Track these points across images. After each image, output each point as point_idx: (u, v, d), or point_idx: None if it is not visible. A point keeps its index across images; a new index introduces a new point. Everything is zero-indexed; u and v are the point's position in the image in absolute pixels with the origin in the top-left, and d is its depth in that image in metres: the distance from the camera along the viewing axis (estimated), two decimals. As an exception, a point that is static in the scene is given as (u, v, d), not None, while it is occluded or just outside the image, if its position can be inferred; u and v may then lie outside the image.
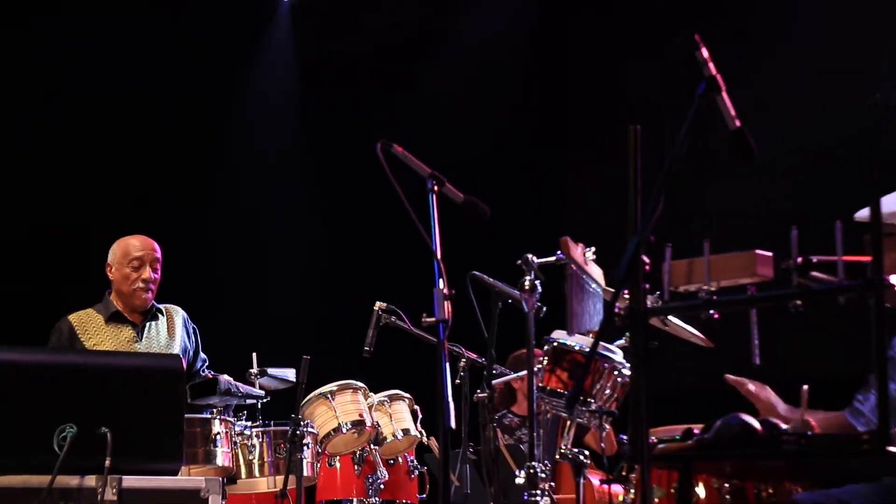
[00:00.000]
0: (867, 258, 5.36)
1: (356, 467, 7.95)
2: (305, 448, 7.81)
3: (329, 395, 8.00)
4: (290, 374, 7.99)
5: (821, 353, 6.09)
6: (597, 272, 7.25)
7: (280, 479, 7.83)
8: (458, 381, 7.27)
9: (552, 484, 6.95)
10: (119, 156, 12.06)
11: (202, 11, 12.60)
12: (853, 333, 5.42)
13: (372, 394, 8.09)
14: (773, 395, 6.17)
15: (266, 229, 12.40)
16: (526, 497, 6.80)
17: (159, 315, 8.68)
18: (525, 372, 6.93)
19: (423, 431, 8.12)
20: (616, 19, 11.93)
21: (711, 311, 5.75)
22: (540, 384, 6.85)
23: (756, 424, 5.55)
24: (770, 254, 5.67)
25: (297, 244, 12.22)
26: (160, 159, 12.20)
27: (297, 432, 7.76)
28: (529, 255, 7.05)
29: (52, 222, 11.15)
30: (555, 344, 6.96)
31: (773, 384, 6.16)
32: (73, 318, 8.59)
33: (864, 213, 5.61)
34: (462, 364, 7.40)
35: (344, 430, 7.97)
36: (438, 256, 6.65)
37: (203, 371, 8.50)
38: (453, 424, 6.95)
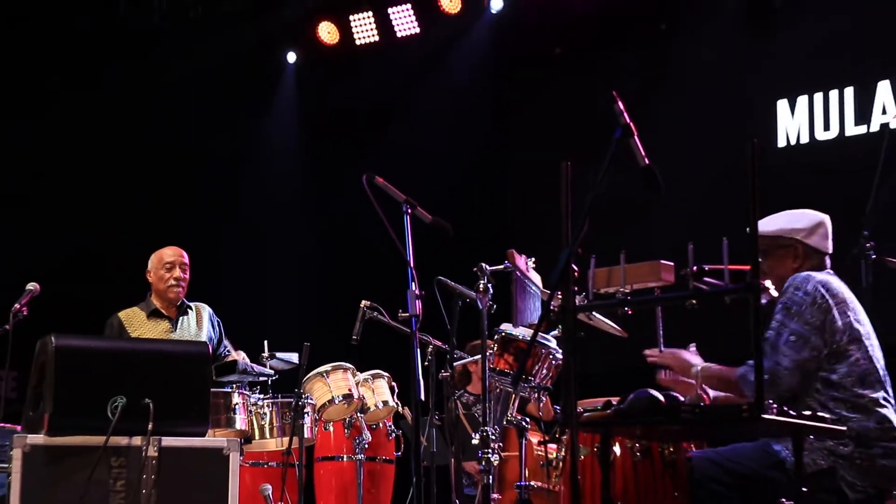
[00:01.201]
0: (747, 267, 5.35)
1: (346, 430, 7.93)
2: (306, 415, 7.79)
3: (324, 374, 7.98)
4: (293, 357, 7.97)
5: (712, 340, 6.06)
6: (536, 278, 7.25)
7: (286, 440, 7.80)
8: (426, 363, 7.25)
9: (500, 444, 6.92)
10: (159, 188, 12.03)
11: (226, 72, 12.56)
12: (737, 324, 5.39)
13: (358, 373, 8.06)
14: (685, 353, 6.15)
15: (274, 244, 12.38)
16: (480, 454, 6.78)
17: (189, 311, 8.66)
18: (479, 356, 6.90)
19: (399, 402, 8.11)
20: (552, 85, 11.95)
21: (626, 309, 5.74)
22: (491, 366, 6.82)
23: (660, 397, 5.53)
24: (672, 263, 5.66)
25: (299, 256, 12.20)
26: (190, 189, 12.18)
27: (300, 403, 7.75)
28: (483, 264, 7.03)
29: (106, 241, 11.09)
30: (503, 334, 6.93)
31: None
32: (121, 314, 8.57)
33: (764, 226, 5.61)
34: (430, 350, 7.38)
35: (336, 402, 7.94)
36: (411, 264, 6.69)
37: (225, 354, 8.45)
38: (423, 397, 6.97)
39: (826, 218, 6.19)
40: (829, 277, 6.03)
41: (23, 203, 11.66)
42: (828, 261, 6.16)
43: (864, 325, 6.00)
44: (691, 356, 6.12)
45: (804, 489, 5.43)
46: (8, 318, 7.31)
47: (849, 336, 5.89)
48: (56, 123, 11.85)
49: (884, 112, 10.49)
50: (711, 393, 6.06)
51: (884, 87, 10.59)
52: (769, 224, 6.00)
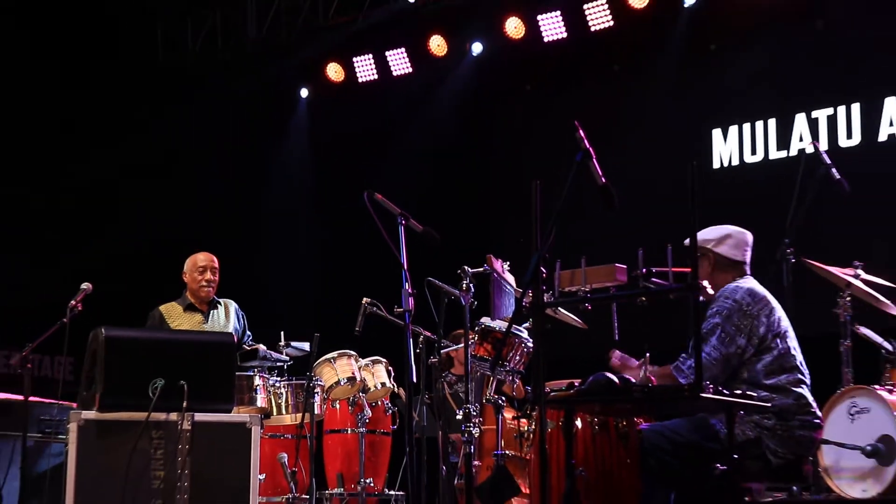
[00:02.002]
0: (688, 270, 5.37)
1: (350, 407, 7.91)
2: (316, 395, 7.78)
3: (332, 360, 7.97)
4: (306, 346, 7.96)
5: (658, 331, 6.08)
6: (510, 278, 7.24)
7: (299, 415, 7.79)
8: (418, 350, 7.24)
9: (480, 419, 6.92)
10: (193, 201, 12.02)
11: (250, 104, 12.57)
12: (679, 317, 5.41)
13: (360, 359, 8.04)
14: (631, 360, 6.17)
15: (289, 250, 12.35)
16: (463, 427, 6.78)
17: (219, 306, 8.65)
18: (462, 344, 6.90)
19: (394, 384, 8.08)
20: (524, 116, 11.96)
21: (586, 305, 5.75)
22: (472, 353, 6.82)
23: (615, 379, 5.55)
24: (625, 266, 5.68)
25: (310, 260, 12.18)
26: (219, 202, 12.19)
27: (311, 384, 7.73)
28: (466, 267, 7.03)
29: (148, 246, 11.09)
30: (482, 326, 6.92)
31: (627, 351, 6.14)
32: (162, 308, 8.56)
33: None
34: (421, 339, 7.37)
35: (342, 383, 7.93)
36: (405, 267, 6.71)
37: (248, 343, 8.44)
38: (415, 379, 7.00)
39: (735, 230, 6.23)
40: (753, 285, 6.09)
41: (79, 218, 11.65)
42: (747, 268, 6.18)
43: (784, 322, 6.06)
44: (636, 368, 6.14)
45: (735, 456, 5.45)
46: (66, 312, 7.28)
47: (772, 333, 5.97)
48: (115, 152, 11.85)
49: (801, 139, 10.49)
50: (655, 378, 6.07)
51: (800, 118, 10.61)
52: (699, 235, 5.98)
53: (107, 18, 12.30)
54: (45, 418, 7.27)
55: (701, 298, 5.64)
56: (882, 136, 10.25)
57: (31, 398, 7.18)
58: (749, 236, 6.25)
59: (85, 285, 7.45)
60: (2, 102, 11.59)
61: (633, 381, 5.69)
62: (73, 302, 7.37)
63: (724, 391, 5.45)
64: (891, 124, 10.24)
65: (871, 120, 10.30)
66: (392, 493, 7.83)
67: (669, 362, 6.13)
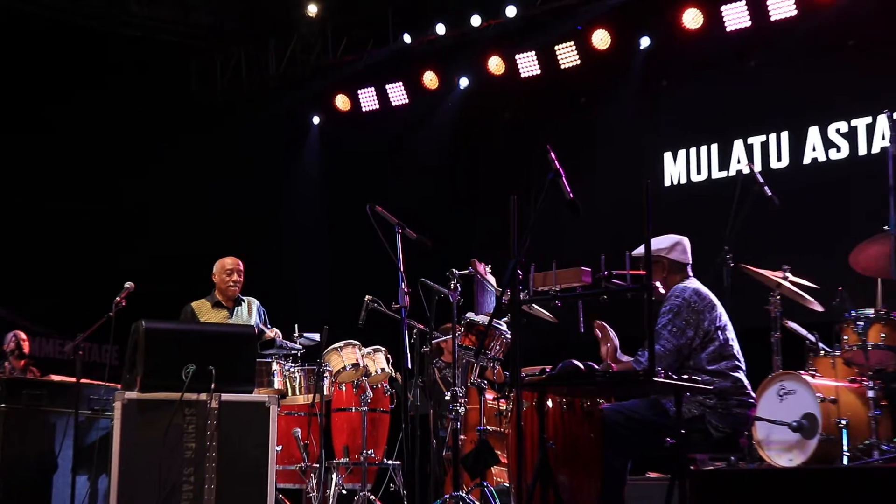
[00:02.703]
0: (643, 273, 5.38)
1: (354, 389, 7.88)
2: (325, 378, 7.76)
3: (339, 349, 7.95)
4: (316, 336, 7.94)
5: (617, 325, 6.08)
6: (492, 279, 7.25)
7: (310, 396, 7.79)
8: (412, 341, 7.23)
9: (465, 399, 6.92)
10: (221, 212, 12.01)
11: (269, 129, 12.56)
12: (636, 314, 5.43)
13: (363, 347, 8.02)
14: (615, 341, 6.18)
15: (303, 255, 12.35)
16: (451, 407, 6.78)
17: (243, 303, 8.63)
18: (450, 336, 6.91)
19: (392, 369, 8.06)
20: (503, 140, 11.98)
21: (556, 302, 5.76)
22: (459, 343, 6.83)
23: (581, 366, 5.56)
24: (589, 269, 5.69)
25: (320, 263, 12.18)
26: (244, 213, 12.17)
27: (320, 369, 7.72)
28: (453, 269, 7.04)
29: (182, 251, 11.07)
30: (468, 320, 6.94)
31: (590, 341, 6.13)
32: (193, 304, 8.54)
33: (638, 251, 5.63)
34: (415, 331, 7.36)
35: (347, 369, 7.90)
36: (401, 269, 6.72)
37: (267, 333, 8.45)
38: (409, 365, 6.99)
39: (683, 239, 6.25)
40: (698, 286, 6.11)
41: (124, 227, 11.65)
42: (689, 270, 6.21)
43: (724, 317, 6.08)
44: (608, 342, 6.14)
45: (682, 430, 5.47)
46: (111, 307, 7.29)
47: (714, 326, 5.99)
48: (156, 171, 11.86)
49: (738, 162, 10.50)
50: (615, 365, 6.07)
51: (738, 144, 10.63)
52: (652, 243, 5.98)
53: (149, 57, 12.31)
54: (94, 397, 7.27)
55: (654, 297, 5.68)
56: (806, 160, 10.30)
57: (83, 380, 7.18)
58: (688, 243, 6.29)
59: (128, 284, 7.45)
60: (64, 131, 11.62)
61: (596, 367, 5.72)
62: (117, 298, 7.37)
63: (673, 376, 5.48)
64: (813, 149, 10.29)
65: (797, 146, 10.35)
66: (390, 462, 7.82)
67: (626, 350, 6.15)
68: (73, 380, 7.14)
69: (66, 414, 7.06)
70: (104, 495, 6.77)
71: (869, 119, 10.00)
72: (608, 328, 6.21)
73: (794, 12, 10.06)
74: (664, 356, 5.83)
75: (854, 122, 10.10)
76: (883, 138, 9.63)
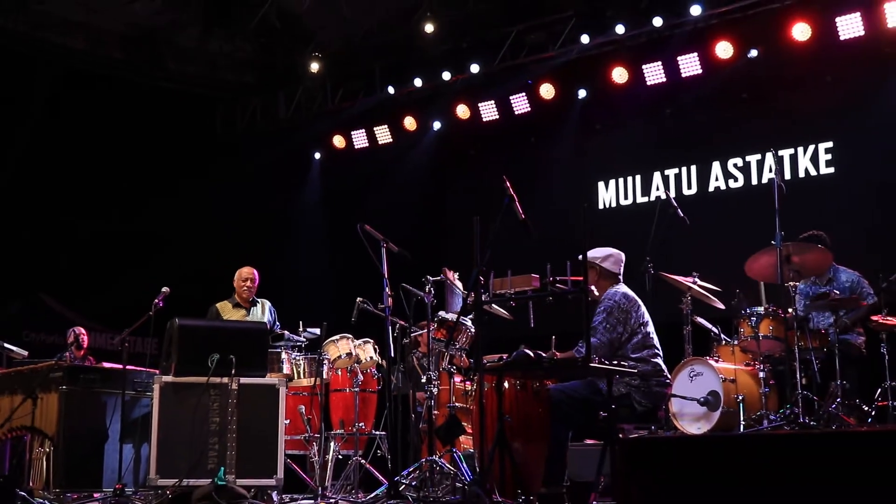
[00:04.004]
0: (580, 278, 5.38)
1: (348, 374, 7.84)
2: (324, 365, 7.73)
3: (335, 341, 7.90)
4: (317, 331, 7.91)
5: (560, 321, 6.09)
6: (459, 284, 7.25)
7: (312, 379, 7.75)
8: (395, 334, 7.18)
9: (438, 382, 6.91)
10: (239, 232, 11.95)
11: (278, 163, 12.52)
12: (576, 312, 5.43)
13: (355, 339, 7.98)
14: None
15: (307, 266, 12.28)
16: (426, 388, 6.77)
17: (257, 304, 8.60)
18: (426, 330, 6.89)
19: (379, 357, 8.01)
20: (469, 171, 12.00)
21: (511, 302, 5.76)
22: (433, 336, 6.81)
23: (532, 354, 5.56)
24: (537, 276, 5.70)
25: (321, 272, 12.09)
26: (259, 231, 12.13)
27: (320, 358, 7.70)
28: (428, 276, 7.03)
29: (209, 263, 11.00)
30: (440, 317, 6.93)
31: (539, 333, 6.11)
32: (217, 305, 8.52)
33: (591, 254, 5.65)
34: (397, 327, 7.31)
35: (342, 357, 7.87)
36: (385, 276, 6.70)
37: (277, 329, 8.39)
38: (393, 354, 6.98)
39: (614, 251, 6.26)
40: (626, 290, 6.12)
41: (163, 243, 11.59)
42: (621, 277, 6.22)
43: (646, 315, 6.09)
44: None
45: (612, 406, 5.47)
46: (151, 307, 7.25)
47: (638, 323, 6.00)
48: (185, 200, 11.80)
49: (657, 189, 10.56)
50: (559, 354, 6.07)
51: (657, 175, 10.68)
52: (588, 254, 5.98)
53: (182, 105, 12.27)
54: (137, 381, 7.19)
55: (590, 298, 5.68)
56: (711, 188, 10.36)
57: (128, 367, 7.11)
58: (623, 255, 6.29)
59: (165, 289, 7.40)
60: (115, 165, 11.59)
61: (544, 355, 5.71)
62: (156, 300, 7.32)
63: (606, 362, 5.48)
64: (716, 179, 10.35)
65: (703, 177, 10.41)
66: (377, 433, 7.79)
67: (567, 343, 6.14)
68: (121, 366, 7.07)
69: (114, 394, 6.99)
70: (146, 460, 6.70)
71: (759, 156, 10.09)
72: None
73: (700, 71, 10.13)
74: (600, 347, 5.84)
75: (748, 158, 10.17)
76: (770, 171, 9.69)
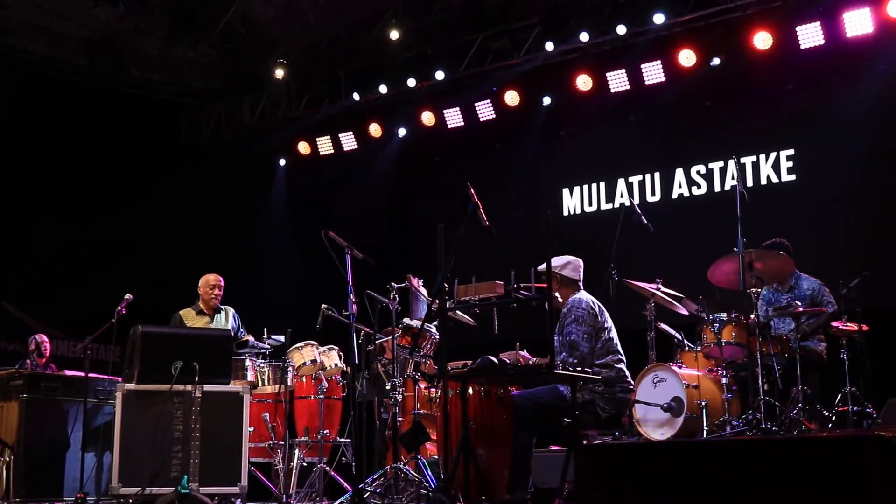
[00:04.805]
0: (544, 285, 5.39)
1: (313, 381, 7.78)
2: (288, 372, 7.66)
3: (300, 347, 7.83)
4: (281, 338, 7.83)
5: (524, 327, 6.11)
6: (424, 291, 7.24)
7: (277, 386, 7.68)
8: (359, 341, 7.15)
9: (403, 388, 6.89)
10: (203, 238, 11.82)
11: (243, 169, 12.43)
12: (540, 318, 5.44)
13: (320, 346, 7.93)
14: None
15: (273, 273, 12.20)
16: (391, 394, 6.75)
17: (221, 311, 8.52)
18: (390, 337, 6.87)
19: (344, 364, 7.95)
20: (434, 178, 11.99)
21: (475, 309, 5.75)
22: (397, 343, 6.80)
23: (496, 361, 5.56)
24: (502, 282, 5.69)
25: (286, 279, 12.02)
26: (223, 237, 12.00)
27: (285, 365, 7.63)
28: (392, 283, 7.02)
29: (172, 269, 10.88)
30: (404, 324, 6.93)
31: (503, 339, 6.12)
32: (181, 312, 8.42)
33: (541, 267, 5.64)
34: (361, 333, 7.27)
35: (307, 364, 7.79)
36: (350, 283, 6.66)
37: (241, 336, 8.31)
38: (357, 361, 6.93)
39: (573, 259, 6.28)
40: (589, 297, 6.14)
41: (124, 249, 11.47)
42: (581, 284, 6.22)
43: (609, 321, 6.11)
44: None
45: (576, 412, 5.48)
46: (114, 314, 7.17)
47: (602, 328, 6.01)
48: (149, 203, 11.70)
49: (621, 196, 10.62)
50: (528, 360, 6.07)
51: (621, 182, 10.75)
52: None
53: (148, 112, 12.18)
54: (100, 388, 7.13)
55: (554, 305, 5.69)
56: (674, 195, 10.44)
57: (90, 374, 7.04)
58: (581, 262, 6.30)
59: (127, 296, 7.34)
60: (77, 169, 11.49)
61: (508, 361, 5.71)
62: (119, 307, 7.25)
63: (570, 368, 5.49)
64: (679, 186, 10.43)
65: (667, 184, 10.48)
66: (342, 440, 7.75)
67: (530, 348, 6.15)
68: (83, 374, 7.00)
69: (76, 402, 6.92)
70: (108, 468, 6.63)
71: (721, 163, 10.17)
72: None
73: (664, 79, 10.19)
74: (583, 359, 5.85)
75: (711, 166, 10.25)
76: (732, 178, 9.78)
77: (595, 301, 6.11)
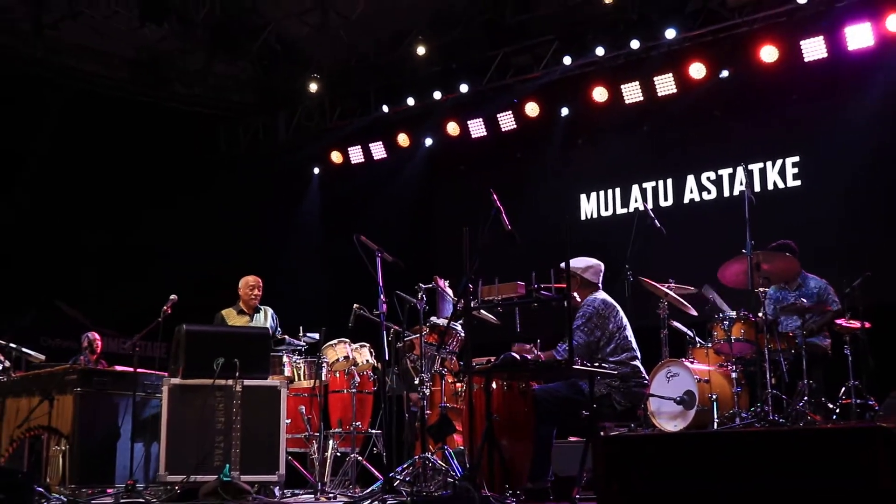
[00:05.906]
0: (564, 286, 5.40)
1: (346, 376, 7.81)
2: (323, 368, 7.69)
3: (333, 345, 7.85)
4: (316, 336, 7.86)
5: (544, 324, 6.11)
6: (450, 291, 7.24)
7: (312, 381, 7.71)
8: (389, 339, 7.17)
9: (430, 383, 6.90)
10: (244, 243, 11.85)
11: (280, 177, 12.53)
12: (558, 317, 5.45)
13: (352, 343, 7.95)
14: (525, 346, 6.17)
15: (306, 275, 12.19)
16: (419, 389, 6.76)
17: (260, 310, 8.58)
18: (418, 335, 6.89)
19: (375, 360, 7.98)
20: (459, 186, 11.98)
21: (499, 308, 5.76)
22: (425, 340, 6.81)
23: (518, 357, 5.57)
24: (523, 283, 5.70)
25: (320, 280, 12.03)
26: (263, 241, 12.07)
27: (319, 361, 7.66)
28: (420, 284, 7.03)
29: (216, 272, 10.91)
30: (431, 322, 6.93)
31: (524, 337, 6.12)
32: (223, 311, 8.49)
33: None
34: (392, 331, 7.28)
35: (340, 360, 7.81)
36: (380, 284, 6.69)
37: (279, 334, 8.35)
38: (388, 357, 6.96)
39: (595, 262, 6.27)
40: (605, 297, 6.14)
41: (173, 253, 11.54)
42: (600, 285, 6.22)
43: (624, 319, 6.11)
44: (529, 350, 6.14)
45: (594, 405, 5.49)
46: (160, 313, 7.23)
47: (617, 327, 6.02)
48: (192, 214, 11.78)
49: (636, 201, 10.60)
50: (543, 355, 6.08)
51: (636, 188, 10.73)
52: (571, 264, 5.99)
53: (188, 125, 12.26)
54: (147, 383, 7.18)
55: (572, 304, 5.69)
56: (686, 200, 10.42)
57: (139, 370, 7.10)
58: (602, 266, 6.30)
59: (173, 296, 7.40)
60: (125, 182, 11.58)
61: (529, 357, 5.73)
62: (165, 307, 7.32)
63: (588, 364, 5.49)
64: (690, 192, 10.40)
65: (679, 189, 10.46)
66: (373, 431, 7.77)
67: (551, 345, 6.16)
68: (132, 369, 7.06)
69: (126, 396, 6.98)
70: (156, 457, 6.68)
71: (731, 170, 10.15)
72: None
73: (675, 90, 10.19)
74: (578, 348, 5.85)
75: (720, 172, 10.23)
76: (741, 184, 9.75)
77: (609, 301, 6.10)
